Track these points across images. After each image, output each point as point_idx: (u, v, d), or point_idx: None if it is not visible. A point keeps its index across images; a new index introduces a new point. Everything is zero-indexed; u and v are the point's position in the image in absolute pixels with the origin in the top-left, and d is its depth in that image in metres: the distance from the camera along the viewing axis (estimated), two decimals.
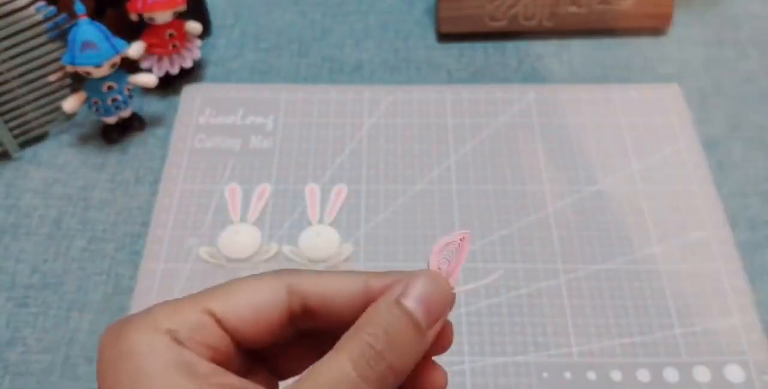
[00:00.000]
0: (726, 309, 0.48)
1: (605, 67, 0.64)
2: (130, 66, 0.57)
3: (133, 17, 0.57)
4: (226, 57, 0.65)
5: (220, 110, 0.60)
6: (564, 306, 0.48)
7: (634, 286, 0.49)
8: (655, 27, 0.66)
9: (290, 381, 0.27)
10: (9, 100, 0.55)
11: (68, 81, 0.57)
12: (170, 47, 0.58)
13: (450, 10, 0.64)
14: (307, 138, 0.58)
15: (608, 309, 0.48)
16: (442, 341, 0.26)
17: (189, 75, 0.62)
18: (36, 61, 0.55)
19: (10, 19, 0.52)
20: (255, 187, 0.55)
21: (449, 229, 0.52)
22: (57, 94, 0.57)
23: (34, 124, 0.57)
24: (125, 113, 0.57)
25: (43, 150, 0.58)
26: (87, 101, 0.55)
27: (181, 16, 0.58)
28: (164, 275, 0.50)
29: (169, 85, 0.61)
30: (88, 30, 0.52)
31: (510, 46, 0.65)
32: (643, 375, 0.45)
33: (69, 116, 0.59)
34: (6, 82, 0.54)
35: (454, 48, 0.65)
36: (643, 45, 0.65)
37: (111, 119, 0.57)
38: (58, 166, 0.57)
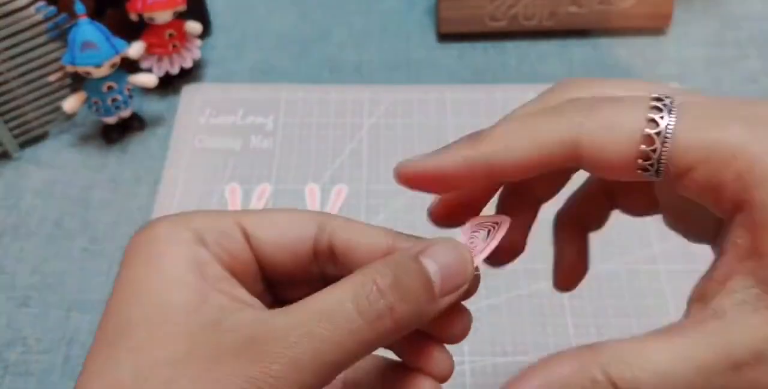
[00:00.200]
0: None
1: (605, 67, 0.64)
2: (130, 66, 0.57)
3: (133, 17, 0.57)
4: (226, 57, 0.65)
5: (220, 110, 0.60)
6: (564, 306, 0.48)
7: (634, 286, 0.49)
8: (655, 27, 0.66)
9: None
10: (9, 100, 0.55)
11: (68, 81, 0.57)
12: (170, 47, 0.58)
13: (450, 10, 0.64)
14: (307, 138, 0.58)
15: (608, 309, 0.48)
16: (455, 326, 0.26)
17: (189, 75, 0.62)
18: (36, 61, 0.55)
19: (10, 19, 0.52)
20: (255, 187, 0.55)
21: (449, 229, 0.52)
22: (57, 94, 0.57)
23: (34, 124, 0.57)
24: (125, 113, 0.57)
25: (43, 150, 0.58)
26: (87, 101, 0.55)
27: (181, 16, 0.58)
28: None
29: (169, 85, 0.61)
30: (88, 30, 0.52)
31: (510, 46, 0.65)
32: None
33: (69, 116, 0.59)
34: (6, 82, 0.54)
35: (454, 48, 0.65)
36: (643, 45, 0.65)
37: (111, 119, 0.57)
38: (58, 166, 0.57)
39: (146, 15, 0.56)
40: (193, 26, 0.59)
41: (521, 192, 0.29)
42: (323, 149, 0.57)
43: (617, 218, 0.33)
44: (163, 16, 0.57)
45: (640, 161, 0.22)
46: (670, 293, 0.48)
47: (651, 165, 0.22)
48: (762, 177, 0.21)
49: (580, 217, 0.32)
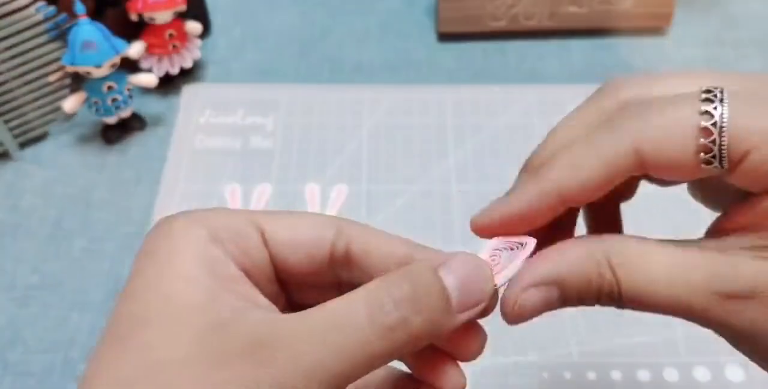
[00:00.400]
0: None
1: (605, 67, 0.64)
2: (130, 66, 0.57)
3: (133, 17, 0.57)
4: (226, 57, 0.65)
5: (220, 110, 0.60)
6: None
7: None
8: (655, 27, 0.66)
9: None
10: (9, 100, 0.55)
11: (68, 81, 0.57)
12: (170, 47, 0.58)
13: (450, 10, 0.64)
14: (307, 138, 0.58)
15: (608, 308, 0.48)
16: (470, 344, 0.26)
17: (189, 75, 0.62)
18: (36, 61, 0.55)
19: (10, 19, 0.52)
20: (255, 187, 0.55)
21: (449, 229, 0.52)
22: (57, 94, 0.57)
23: (34, 124, 0.57)
24: (125, 113, 0.57)
25: (43, 150, 0.58)
26: (87, 101, 0.55)
27: (181, 16, 0.58)
28: None
29: (169, 85, 0.61)
30: (88, 30, 0.52)
31: (510, 46, 0.65)
32: (643, 375, 0.45)
33: (69, 116, 0.59)
34: (6, 82, 0.54)
35: (454, 48, 0.65)
36: (643, 45, 0.65)
37: (111, 119, 0.57)
38: (58, 166, 0.57)
39: (146, 15, 0.56)
40: (193, 26, 0.59)
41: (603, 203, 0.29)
42: (323, 149, 0.57)
43: None
44: (163, 16, 0.57)
45: (702, 154, 0.23)
46: None
47: (713, 157, 0.23)
48: None
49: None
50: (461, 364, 0.26)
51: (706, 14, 0.68)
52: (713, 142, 0.22)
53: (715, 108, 0.22)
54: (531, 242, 0.25)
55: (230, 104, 0.60)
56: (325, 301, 0.23)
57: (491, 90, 0.61)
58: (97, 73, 0.53)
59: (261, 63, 0.64)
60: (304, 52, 0.65)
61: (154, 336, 0.22)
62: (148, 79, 0.56)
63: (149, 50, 0.58)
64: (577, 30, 0.66)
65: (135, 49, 0.56)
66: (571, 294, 0.25)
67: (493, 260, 0.25)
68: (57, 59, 0.55)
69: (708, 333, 0.25)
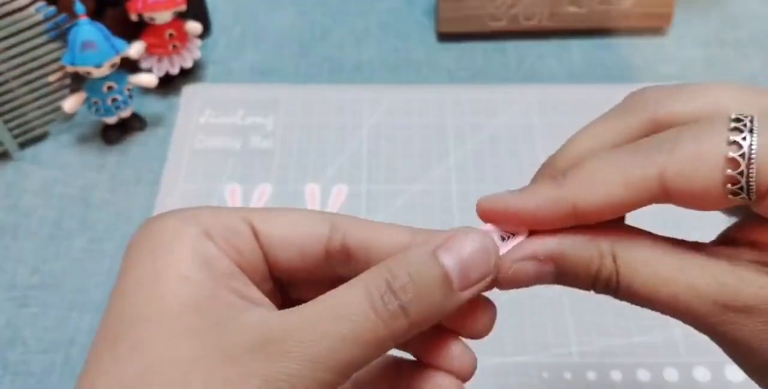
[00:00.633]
0: None
1: (605, 67, 0.64)
2: (130, 66, 0.57)
3: (133, 17, 0.57)
4: (226, 57, 0.65)
5: (220, 110, 0.60)
6: (564, 306, 0.48)
7: None
8: (655, 27, 0.66)
9: None
10: (9, 100, 0.55)
11: (68, 81, 0.57)
12: (170, 47, 0.58)
13: (450, 10, 0.64)
14: (307, 138, 0.58)
15: (608, 308, 0.48)
16: (479, 320, 0.26)
17: (189, 75, 0.62)
18: (36, 61, 0.55)
19: (10, 19, 0.52)
20: (255, 187, 0.55)
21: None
22: (57, 94, 0.57)
23: (34, 124, 0.57)
24: (125, 113, 0.57)
25: (43, 150, 0.58)
26: (87, 101, 0.55)
27: (181, 16, 0.58)
28: None
29: (169, 85, 0.61)
30: (88, 30, 0.52)
31: (510, 46, 0.65)
32: (643, 375, 0.45)
33: (69, 116, 0.59)
34: (6, 82, 0.54)
35: (454, 48, 0.65)
36: (643, 45, 0.65)
37: (111, 119, 0.57)
38: (58, 166, 0.57)
39: (146, 15, 0.56)
40: (193, 26, 0.59)
41: None
42: (323, 149, 0.57)
43: None
44: (163, 16, 0.57)
45: (729, 185, 0.22)
46: None
47: (740, 189, 0.22)
48: None
49: None
50: (472, 342, 0.27)
51: (706, 14, 0.68)
52: (741, 173, 0.22)
53: (744, 138, 0.22)
54: (523, 233, 0.25)
55: (230, 103, 0.60)
56: None
57: (491, 90, 0.61)
58: (97, 73, 0.53)
59: (261, 63, 0.64)
60: (304, 52, 0.65)
61: (153, 336, 0.22)
62: (148, 79, 0.56)
63: (149, 50, 0.58)
64: (577, 30, 0.66)
65: (135, 49, 0.56)
66: (567, 273, 0.25)
67: (499, 233, 0.25)
68: (57, 59, 0.55)
69: None
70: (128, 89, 0.56)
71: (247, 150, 0.57)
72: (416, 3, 0.69)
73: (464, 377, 0.26)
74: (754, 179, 0.22)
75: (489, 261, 0.24)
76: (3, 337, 0.47)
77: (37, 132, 0.58)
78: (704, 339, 0.25)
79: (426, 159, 0.57)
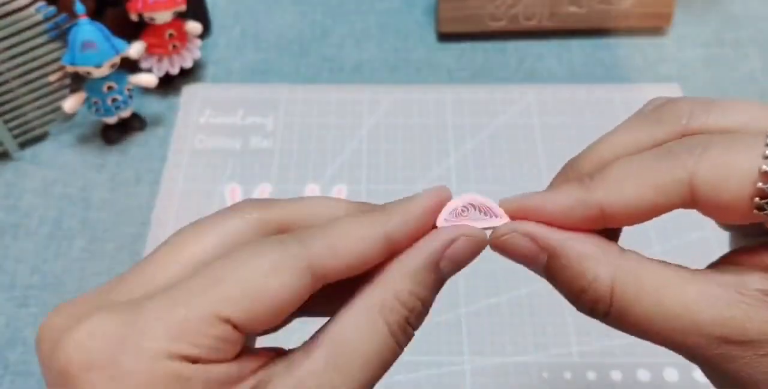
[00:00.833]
0: None
1: (605, 67, 0.64)
2: (130, 66, 0.57)
3: (133, 17, 0.57)
4: (226, 57, 0.65)
5: (220, 110, 0.60)
6: (564, 306, 0.48)
7: None
8: (655, 27, 0.66)
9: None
10: (9, 100, 0.55)
11: (68, 81, 0.57)
12: (170, 47, 0.58)
13: (450, 10, 0.64)
14: (307, 138, 0.58)
15: None
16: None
17: (189, 75, 0.62)
18: (36, 61, 0.55)
19: (10, 19, 0.52)
20: (255, 187, 0.55)
21: None
22: (57, 94, 0.57)
23: (34, 124, 0.57)
24: (125, 113, 0.57)
25: (43, 150, 0.58)
26: (87, 101, 0.55)
27: (181, 16, 0.58)
28: None
29: (169, 85, 0.61)
30: (88, 30, 0.52)
31: (510, 46, 0.65)
32: (643, 375, 0.45)
33: (69, 116, 0.59)
34: (6, 82, 0.54)
35: (454, 48, 0.65)
36: (643, 45, 0.65)
37: (111, 119, 0.57)
38: (58, 166, 0.57)
39: (146, 15, 0.56)
40: (193, 26, 0.59)
41: None
42: (323, 149, 0.57)
43: None
44: (163, 16, 0.57)
45: (757, 199, 0.22)
46: None
47: None
48: None
49: None
50: None
51: (706, 14, 0.68)
52: None
53: None
54: (502, 220, 0.25)
55: (230, 103, 0.60)
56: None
57: (491, 90, 0.61)
58: (97, 73, 0.53)
59: (261, 63, 0.64)
60: (304, 52, 0.65)
61: None
62: (148, 79, 0.56)
63: (149, 50, 0.58)
64: (577, 30, 0.66)
65: (135, 49, 0.56)
66: (556, 274, 0.25)
67: (462, 211, 0.25)
68: (57, 59, 0.55)
69: None
70: (128, 89, 0.56)
71: (247, 150, 0.57)
72: (416, 3, 0.69)
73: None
74: None
75: (478, 251, 0.25)
76: (3, 337, 0.48)
77: (37, 132, 0.58)
78: None
79: (426, 159, 0.57)
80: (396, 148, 0.57)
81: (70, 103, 0.55)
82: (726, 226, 0.27)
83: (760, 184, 0.22)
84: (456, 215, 0.25)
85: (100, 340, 0.20)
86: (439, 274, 0.24)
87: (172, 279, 0.22)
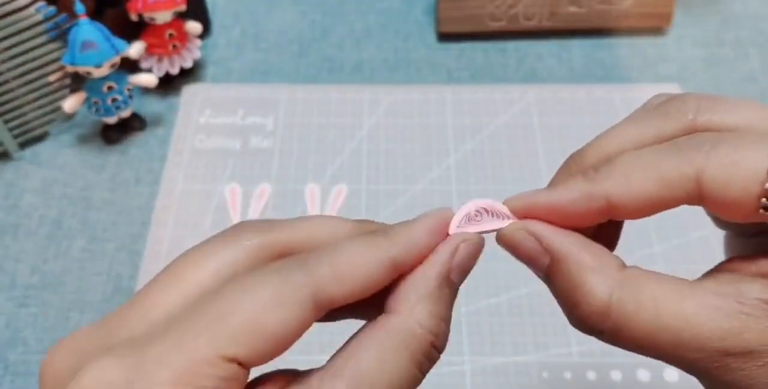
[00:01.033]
0: None
1: (605, 67, 0.64)
2: (130, 66, 0.57)
3: (133, 17, 0.57)
4: (226, 57, 0.65)
5: (220, 110, 0.60)
6: None
7: None
8: (655, 27, 0.66)
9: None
10: (9, 100, 0.55)
11: (68, 81, 0.57)
12: (170, 47, 0.58)
13: (450, 10, 0.64)
14: (307, 138, 0.58)
15: None
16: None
17: (189, 75, 0.62)
18: (36, 61, 0.55)
19: (10, 19, 0.52)
20: (255, 187, 0.55)
21: None
22: (57, 95, 0.57)
23: (34, 124, 0.57)
24: (125, 113, 0.57)
25: (43, 150, 0.58)
26: (87, 101, 0.55)
27: (181, 16, 0.58)
28: None
29: (169, 85, 0.61)
30: (88, 30, 0.52)
31: (510, 46, 0.65)
32: (643, 375, 0.45)
33: (69, 116, 0.59)
34: (6, 82, 0.54)
35: (454, 48, 0.65)
36: (643, 45, 0.65)
37: (111, 119, 0.57)
38: (58, 166, 0.57)
39: (146, 15, 0.56)
40: (193, 26, 0.59)
41: None
42: (323, 149, 0.57)
43: None
44: (163, 16, 0.57)
45: (763, 199, 0.22)
46: None
47: None
48: None
49: None
50: None
51: (706, 14, 0.68)
52: None
53: None
54: (512, 221, 0.25)
55: (230, 104, 0.60)
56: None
57: (491, 90, 0.61)
58: (97, 73, 0.53)
59: (261, 63, 0.64)
60: (304, 52, 0.65)
61: None
62: (148, 79, 0.56)
63: (149, 50, 0.58)
64: (577, 30, 0.66)
65: (135, 49, 0.56)
66: (555, 280, 0.25)
67: (476, 215, 0.25)
68: (57, 59, 0.55)
69: None
70: (128, 89, 0.56)
71: (247, 150, 0.57)
72: (416, 3, 0.69)
73: None
74: None
75: (477, 253, 0.25)
76: (3, 337, 0.48)
77: (37, 132, 0.58)
78: None
79: (426, 159, 0.57)
80: (396, 148, 0.57)
81: (70, 103, 0.55)
82: (724, 225, 0.27)
83: (767, 184, 0.22)
84: (468, 221, 0.25)
85: (106, 388, 0.20)
86: (453, 286, 0.24)
87: (173, 311, 0.22)
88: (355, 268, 0.22)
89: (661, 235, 0.52)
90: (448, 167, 0.56)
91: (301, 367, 0.23)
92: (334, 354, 0.22)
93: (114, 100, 0.56)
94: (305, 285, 0.21)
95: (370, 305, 0.24)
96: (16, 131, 0.57)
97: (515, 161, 0.56)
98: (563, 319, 0.26)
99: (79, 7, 0.51)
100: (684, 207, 0.24)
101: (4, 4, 0.51)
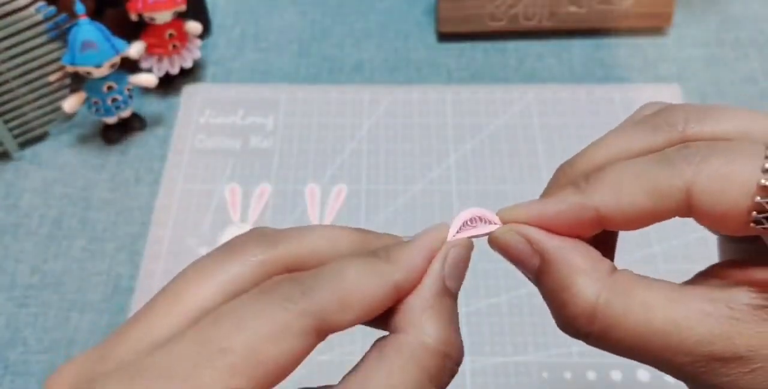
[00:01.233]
0: None
1: (605, 67, 0.64)
2: (130, 66, 0.57)
3: (133, 17, 0.57)
4: (226, 57, 0.65)
5: (220, 110, 0.60)
6: None
7: None
8: (655, 27, 0.66)
9: None
10: (9, 100, 0.55)
11: (68, 81, 0.57)
12: (170, 47, 0.58)
13: (450, 10, 0.64)
14: (307, 138, 0.58)
15: None
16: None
17: (189, 75, 0.62)
18: (36, 61, 0.55)
19: (10, 19, 0.52)
20: (255, 187, 0.55)
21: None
22: (57, 94, 0.57)
23: (34, 124, 0.57)
24: (125, 113, 0.57)
25: (43, 150, 0.58)
26: (87, 101, 0.55)
27: (181, 16, 0.58)
28: (164, 275, 0.50)
29: (169, 85, 0.61)
30: (88, 30, 0.52)
31: (510, 46, 0.65)
32: (643, 375, 0.45)
33: (69, 116, 0.59)
34: (6, 82, 0.54)
35: (454, 48, 0.65)
36: (643, 45, 0.65)
37: (111, 119, 0.57)
38: (58, 166, 0.57)
39: (146, 15, 0.56)
40: (193, 26, 0.59)
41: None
42: (323, 149, 0.57)
43: None
44: (163, 16, 0.57)
45: (754, 213, 0.22)
46: None
47: (766, 218, 0.22)
48: None
49: None
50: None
51: (706, 14, 0.68)
52: None
53: None
54: (495, 226, 0.25)
55: (230, 104, 0.61)
56: None
57: (491, 90, 0.61)
58: (97, 73, 0.53)
59: (261, 63, 0.64)
60: (304, 52, 0.65)
61: None
62: (148, 79, 0.56)
63: (149, 50, 0.58)
64: (577, 30, 0.66)
65: (135, 49, 0.56)
66: (545, 281, 0.25)
67: (471, 222, 0.25)
68: (57, 59, 0.55)
69: None
70: (128, 89, 0.56)
71: (247, 150, 0.57)
72: (416, 3, 0.69)
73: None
74: None
75: (467, 256, 0.25)
76: (3, 337, 0.48)
77: (37, 132, 0.58)
78: None
79: (426, 159, 0.57)
80: (396, 148, 0.58)
81: (70, 103, 0.55)
82: (715, 231, 0.27)
83: (758, 198, 0.21)
84: (464, 227, 0.25)
85: None
86: (451, 294, 0.24)
87: (174, 331, 0.21)
88: (359, 295, 0.22)
89: (660, 235, 0.52)
90: (448, 167, 0.56)
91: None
92: (346, 376, 0.22)
93: (114, 100, 0.56)
94: (308, 315, 0.21)
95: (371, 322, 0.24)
96: (16, 131, 0.57)
97: (515, 161, 0.56)
98: None
99: (79, 7, 0.51)
100: None
101: (4, 4, 0.51)
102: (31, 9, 0.53)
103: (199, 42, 0.61)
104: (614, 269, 0.24)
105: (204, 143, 0.58)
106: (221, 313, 0.21)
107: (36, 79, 0.55)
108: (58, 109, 0.56)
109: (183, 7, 0.57)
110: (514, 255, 0.25)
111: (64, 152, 0.58)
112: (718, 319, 0.22)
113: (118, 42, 0.53)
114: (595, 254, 0.24)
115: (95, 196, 0.55)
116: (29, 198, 0.55)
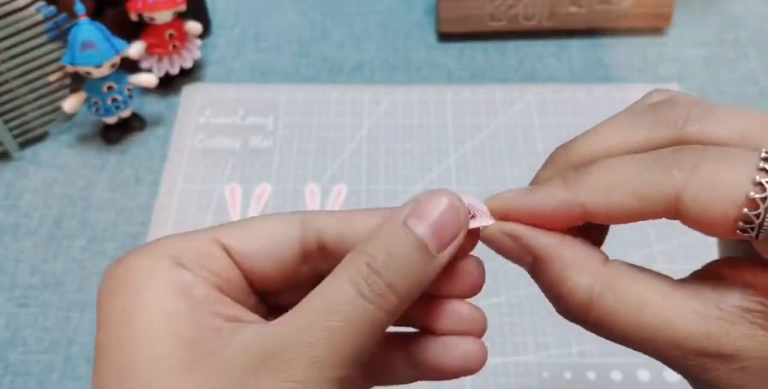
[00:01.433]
0: None
1: (605, 67, 0.64)
2: (130, 66, 0.57)
3: (133, 17, 0.57)
4: (226, 57, 0.65)
5: (220, 110, 0.60)
6: None
7: None
8: (655, 27, 0.66)
9: None
10: (9, 100, 0.55)
11: (68, 81, 0.57)
12: (170, 47, 0.59)
13: (450, 10, 0.64)
14: (307, 138, 0.58)
15: None
16: (467, 279, 0.25)
17: (189, 75, 0.62)
18: (36, 61, 0.55)
19: (10, 19, 0.52)
20: (255, 187, 0.55)
21: None
22: (57, 94, 0.57)
23: (34, 124, 0.57)
24: (125, 113, 0.57)
25: (43, 150, 0.58)
26: (87, 101, 0.55)
27: (181, 16, 0.58)
28: None
29: (169, 85, 0.61)
30: (88, 30, 0.52)
31: (510, 46, 0.65)
32: (643, 375, 0.45)
33: (69, 116, 0.59)
34: (6, 82, 0.54)
35: (454, 48, 0.65)
36: (643, 45, 0.65)
37: (111, 119, 0.57)
38: (58, 166, 0.57)
39: (146, 15, 0.56)
40: (193, 26, 0.59)
41: None
42: (323, 149, 0.57)
43: None
44: (163, 16, 0.57)
45: (741, 223, 0.22)
46: None
47: (752, 229, 0.22)
48: None
49: None
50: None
51: (706, 14, 0.68)
52: (758, 215, 0.22)
53: None
54: (493, 219, 0.25)
55: (230, 104, 0.60)
56: None
57: (491, 90, 0.61)
58: (97, 73, 0.53)
59: (261, 63, 0.64)
60: (304, 52, 0.65)
61: (151, 381, 0.21)
62: (148, 79, 0.56)
63: (149, 50, 0.58)
64: (576, 30, 0.66)
65: (135, 49, 0.56)
66: (540, 276, 0.25)
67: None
68: (57, 59, 0.55)
69: None
70: (128, 89, 0.56)
71: (247, 150, 0.57)
72: (416, 3, 0.69)
73: (478, 334, 0.26)
74: None
75: (458, 218, 0.24)
76: (3, 337, 0.48)
77: (37, 132, 0.58)
78: None
79: (426, 159, 0.57)
80: (396, 148, 0.57)
81: (70, 103, 0.55)
82: None
83: (746, 210, 0.22)
84: None
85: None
86: (409, 231, 0.23)
87: None
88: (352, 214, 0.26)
89: (660, 235, 0.52)
90: (448, 167, 0.56)
91: None
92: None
93: (114, 100, 0.56)
94: (297, 214, 0.26)
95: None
96: (16, 131, 0.57)
97: (515, 161, 0.56)
98: (563, 319, 0.26)
99: (79, 7, 0.51)
100: None
101: (4, 4, 0.51)
102: (31, 9, 0.53)
103: (199, 42, 0.61)
104: (606, 259, 0.25)
105: (204, 143, 0.58)
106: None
107: (36, 79, 0.55)
108: (58, 109, 0.56)
109: (183, 7, 0.57)
110: (506, 254, 0.26)
111: (64, 152, 0.58)
112: (707, 319, 0.23)
113: (118, 42, 0.53)
114: (586, 245, 0.25)
115: (95, 196, 0.55)
116: (29, 198, 0.55)
